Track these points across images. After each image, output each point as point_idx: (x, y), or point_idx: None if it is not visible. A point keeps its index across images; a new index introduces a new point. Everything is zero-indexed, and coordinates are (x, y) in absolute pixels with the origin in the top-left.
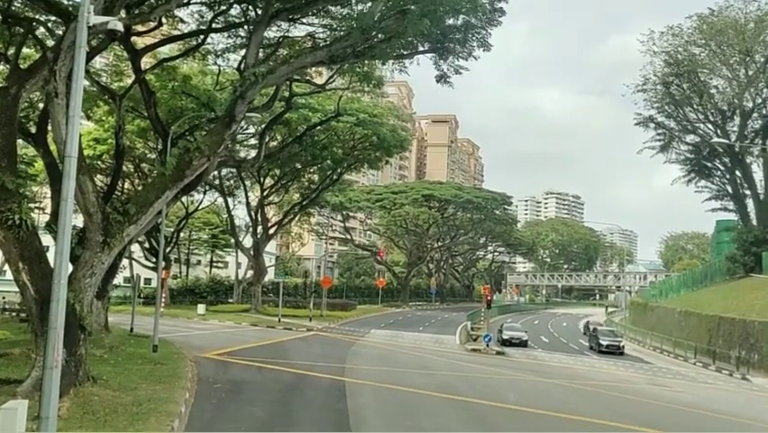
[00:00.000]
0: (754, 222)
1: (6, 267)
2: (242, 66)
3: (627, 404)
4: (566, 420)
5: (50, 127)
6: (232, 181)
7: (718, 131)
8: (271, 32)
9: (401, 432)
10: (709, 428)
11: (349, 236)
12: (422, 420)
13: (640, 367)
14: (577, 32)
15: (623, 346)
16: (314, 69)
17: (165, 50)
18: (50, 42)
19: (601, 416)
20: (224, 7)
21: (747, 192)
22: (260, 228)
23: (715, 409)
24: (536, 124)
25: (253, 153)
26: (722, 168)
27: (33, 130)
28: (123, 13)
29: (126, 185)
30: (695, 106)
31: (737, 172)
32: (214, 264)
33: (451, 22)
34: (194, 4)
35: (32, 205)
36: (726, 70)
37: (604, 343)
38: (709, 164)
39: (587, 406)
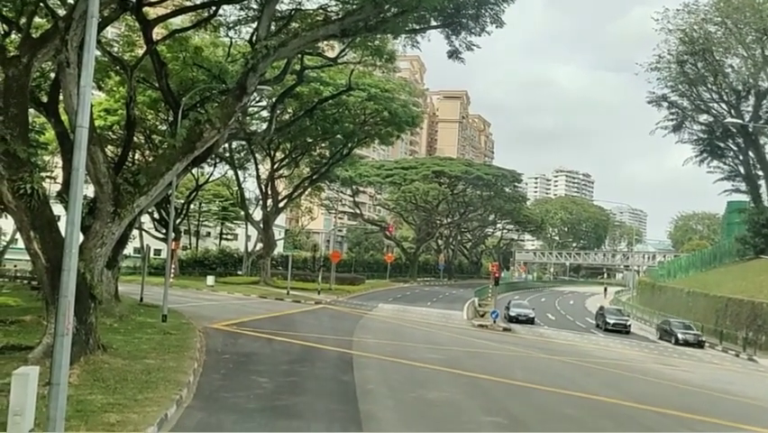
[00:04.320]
0: (766, 203)
1: (18, 236)
2: (254, 38)
3: (633, 382)
4: (572, 397)
5: (61, 97)
6: (242, 154)
7: (732, 111)
8: (284, 5)
9: (406, 404)
10: (712, 406)
11: (358, 211)
12: (427, 393)
13: (646, 346)
14: (596, 4)
15: (629, 325)
16: (325, 42)
17: (177, 22)
18: (62, 12)
19: (606, 394)
20: None
21: (760, 173)
22: (269, 201)
23: (718, 389)
24: (550, 100)
25: (264, 126)
26: (735, 148)
27: (45, 99)
28: None
29: (137, 156)
30: (709, 86)
31: (750, 153)
32: (224, 236)
33: None
34: None
35: (43, 174)
36: (742, 49)
37: (611, 321)
38: (722, 144)
39: (593, 384)
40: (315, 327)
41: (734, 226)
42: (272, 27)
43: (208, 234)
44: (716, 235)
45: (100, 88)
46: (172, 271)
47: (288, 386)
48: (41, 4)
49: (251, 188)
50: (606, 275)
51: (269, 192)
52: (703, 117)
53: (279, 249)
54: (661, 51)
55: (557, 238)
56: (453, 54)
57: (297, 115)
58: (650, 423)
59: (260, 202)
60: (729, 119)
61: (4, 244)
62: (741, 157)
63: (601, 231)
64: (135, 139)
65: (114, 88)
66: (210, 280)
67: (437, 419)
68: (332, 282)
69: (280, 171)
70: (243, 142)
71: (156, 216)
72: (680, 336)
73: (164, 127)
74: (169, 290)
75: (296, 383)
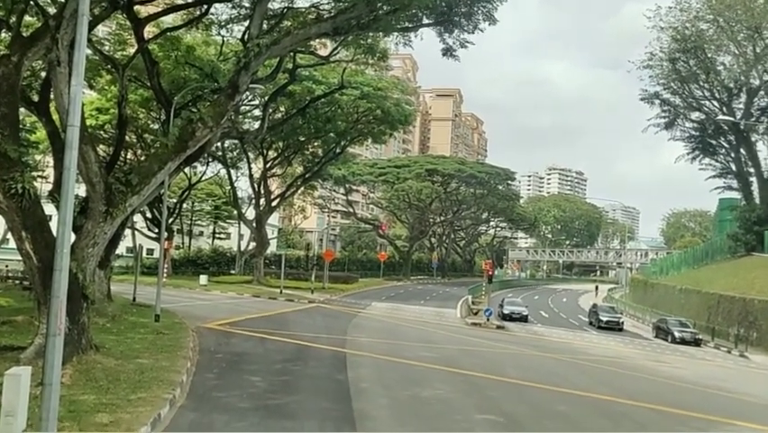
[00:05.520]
0: (758, 201)
1: (9, 236)
2: (246, 37)
3: (626, 379)
4: (566, 395)
5: (52, 96)
6: (235, 153)
7: (724, 108)
8: (276, 3)
9: (400, 403)
10: (706, 403)
11: (351, 210)
12: (421, 391)
13: (639, 343)
14: (590, 1)
15: (622, 323)
16: (318, 40)
17: (168, 20)
18: (52, 10)
19: (600, 391)
20: None
21: (751, 170)
22: (262, 200)
23: (712, 386)
24: (544, 98)
25: (257, 125)
26: (727, 146)
27: (36, 98)
28: None
29: (129, 155)
30: (701, 83)
31: (742, 150)
32: (217, 235)
33: None
34: None
35: (34, 174)
36: (734, 47)
37: (604, 319)
38: (714, 142)
39: (585, 381)
40: (309, 325)
41: (725, 224)
42: (264, 25)
43: (201, 233)
44: (708, 233)
45: (91, 87)
46: (165, 270)
47: (281, 385)
48: (32, 3)
49: (243, 187)
50: (599, 273)
51: (262, 191)
52: (695, 115)
53: (273, 248)
54: (653, 49)
55: (550, 236)
56: (448, 52)
57: (290, 113)
58: (644, 420)
59: (253, 201)
60: (721, 116)
61: None
62: (733, 154)
63: (594, 229)
64: (127, 138)
65: (106, 87)
66: (203, 279)
67: (431, 418)
68: (325, 281)
69: (273, 170)
70: (236, 141)
71: (148, 215)
72: (676, 334)
73: (156, 126)
74: (161, 289)
75: (289, 382)
